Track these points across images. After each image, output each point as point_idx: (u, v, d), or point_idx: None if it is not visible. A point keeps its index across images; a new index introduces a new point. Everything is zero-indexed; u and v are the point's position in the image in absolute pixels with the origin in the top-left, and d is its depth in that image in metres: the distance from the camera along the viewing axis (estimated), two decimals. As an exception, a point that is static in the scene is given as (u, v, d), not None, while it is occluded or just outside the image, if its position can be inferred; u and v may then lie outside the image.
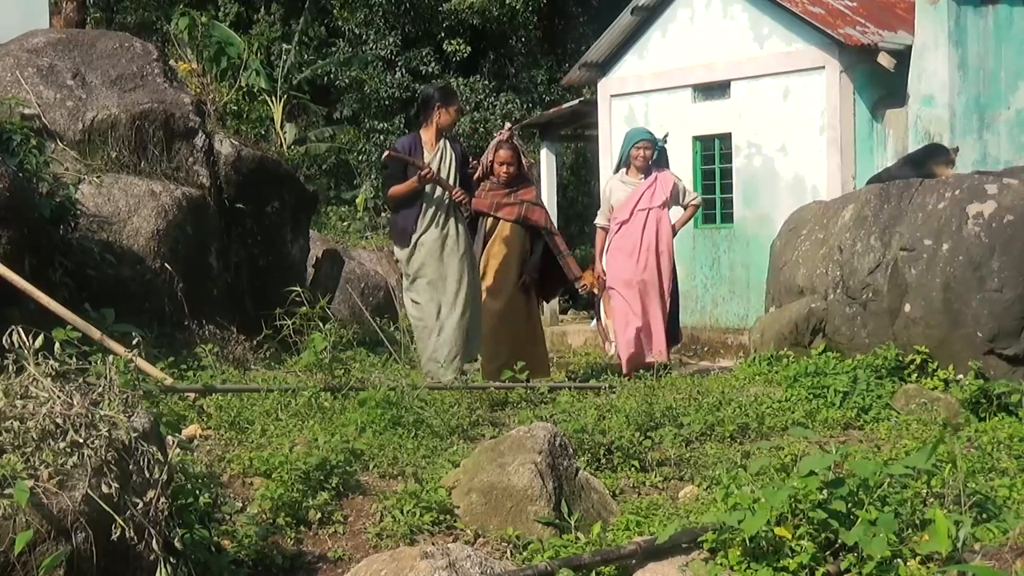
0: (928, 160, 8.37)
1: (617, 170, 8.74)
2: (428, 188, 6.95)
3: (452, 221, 7.02)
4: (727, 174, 14.18)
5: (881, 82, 12.74)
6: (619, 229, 8.51)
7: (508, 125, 8.23)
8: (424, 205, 6.95)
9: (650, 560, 3.44)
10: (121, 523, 2.91)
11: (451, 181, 7.01)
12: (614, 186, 8.64)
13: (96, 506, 2.89)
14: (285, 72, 19.42)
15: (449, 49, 21.22)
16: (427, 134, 7.12)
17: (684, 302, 14.17)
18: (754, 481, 3.97)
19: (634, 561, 3.47)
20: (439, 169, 6.95)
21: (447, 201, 6.99)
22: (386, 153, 7.37)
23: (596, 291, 8.61)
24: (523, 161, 8.02)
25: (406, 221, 6.99)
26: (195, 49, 15.03)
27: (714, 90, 14.13)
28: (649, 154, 8.49)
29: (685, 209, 8.75)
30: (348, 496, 4.22)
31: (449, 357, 6.90)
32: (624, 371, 8.17)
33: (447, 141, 7.13)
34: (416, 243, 6.94)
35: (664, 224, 8.47)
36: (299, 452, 4.27)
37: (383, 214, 20.40)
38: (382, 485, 4.41)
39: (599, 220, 8.77)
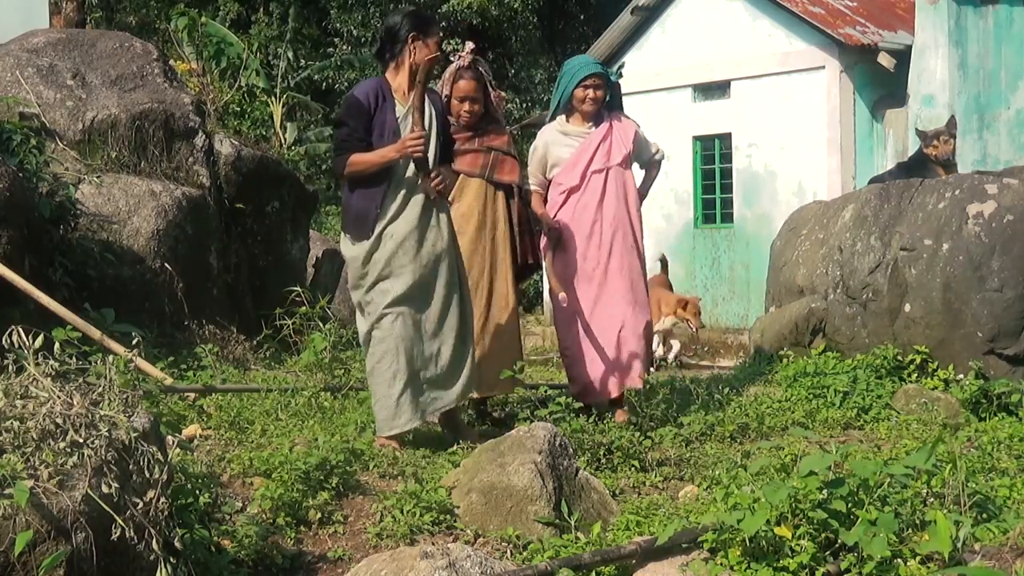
0: (922, 149, 8.30)
1: (553, 117, 6.10)
2: (403, 160, 4.88)
3: (434, 208, 4.99)
4: (727, 174, 14.19)
5: (881, 82, 12.76)
6: (566, 201, 5.91)
7: (470, 46, 5.69)
8: (393, 182, 4.91)
9: (650, 560, 3.44)
10: (121, 523, 2.91)
11: (432, 148, 4.98)
12: (551, 140, 6.00)
13: (96, 506, 2.89)
14: (284, 72, 19.42)
15: (448, 48, 21.24)
16: (397, 78, 5.02)
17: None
18: (754, 481, 3.96)
19: (634, 561, 3.47)
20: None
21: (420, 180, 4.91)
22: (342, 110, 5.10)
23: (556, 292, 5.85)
24: (491, 95, 5.76)
25: (367, 202, 4.91)
26: (195, 49, 15.03)
27: (714, 90, 14.15)
28: (602, 95, 5.90)
29: (646, 170, 6.17)
30: (348, 496, 4.21)
31: (422, 405, 5.00)
32: (580, 401, 5.49)
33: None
34: (381, 234, 4.90)
35: (630, 188, 5.96)
36: (299, 452, 4.27)
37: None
38: (382, 485, 4.41)
39: (531, 183, 6.03)
